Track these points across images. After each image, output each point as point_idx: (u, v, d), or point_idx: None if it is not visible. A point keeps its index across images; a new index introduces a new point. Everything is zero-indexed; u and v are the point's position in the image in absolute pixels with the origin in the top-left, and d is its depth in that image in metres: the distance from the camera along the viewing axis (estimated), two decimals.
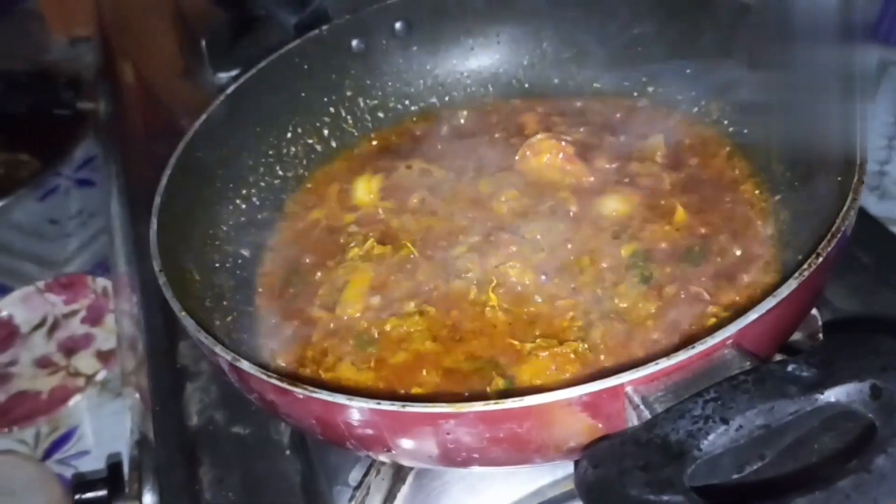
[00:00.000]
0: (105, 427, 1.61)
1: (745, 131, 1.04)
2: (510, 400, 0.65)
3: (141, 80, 1.73)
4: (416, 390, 0.87)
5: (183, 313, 0.79)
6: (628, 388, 0.65)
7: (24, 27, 2.54)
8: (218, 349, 0.74)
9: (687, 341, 0.81)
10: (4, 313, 1.81)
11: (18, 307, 1.83)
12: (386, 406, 0.66)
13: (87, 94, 2.04)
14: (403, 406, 0.66)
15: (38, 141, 2.18)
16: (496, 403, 0.65)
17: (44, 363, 1.74)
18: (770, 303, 0.66)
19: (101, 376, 1.66)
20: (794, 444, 0.62)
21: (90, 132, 2.16)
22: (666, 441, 0.57)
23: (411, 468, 0.89)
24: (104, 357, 1.71)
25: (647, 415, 0.62)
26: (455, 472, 0.88)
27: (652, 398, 0.63)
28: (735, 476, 0.60)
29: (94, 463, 1.55)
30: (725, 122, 1.08)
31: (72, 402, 1.63)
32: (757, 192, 0.99)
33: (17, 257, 2.01)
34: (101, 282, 1.84)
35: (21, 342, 1.79)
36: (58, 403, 1.64)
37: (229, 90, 1.06)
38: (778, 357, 0.73)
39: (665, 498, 0.52)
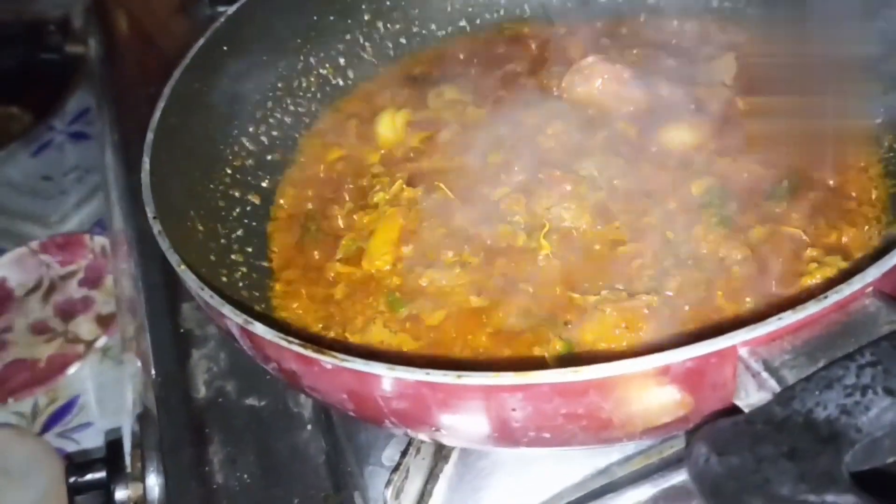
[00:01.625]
0: (108, 397, 1.49)
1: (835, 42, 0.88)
2: (593, 367, 0.51)
3: (133, 18, 1.58)
4: (462, 354, 0.73)
5: (182, 267, 0.66)
6: (742, 351, 0.51)
7: None
8: (226, 310, 0.61)
9: (790, 295, 0.69)
10: None
11: (12, 269, 1.70)
12: (437, 377, 0.53)
13: (77, 36, 1.88)
14: (459, 377, 0.52)
15: (29, 93, 2.04)
16: (574, 372, 0.51)
17: (40, 329, 1.62)
18: None
19: (101, 342, 1.53)
20: None
21: (82, 81, 2.01)
22: (811, 419, 0.44)
23: (452, 447, 0.76)
24: (105, 321, 1.59)
25: (773, 384, 0.49)
26: (508, 449, 0.75)
27: (778, 363, 0.50)
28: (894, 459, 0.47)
29: (96, 436, 1.43)
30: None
31: (71, 370, 1.51)
32: (852, 112, 0.84)
33: (11, 216, 1.87)
34: (100, 241, 1.71)
35: (16, 307, 1.67)
36: (56, 372, 1.52)
37: (230, 10, 0.92)
38: None
39: (829, 499, 0.39)
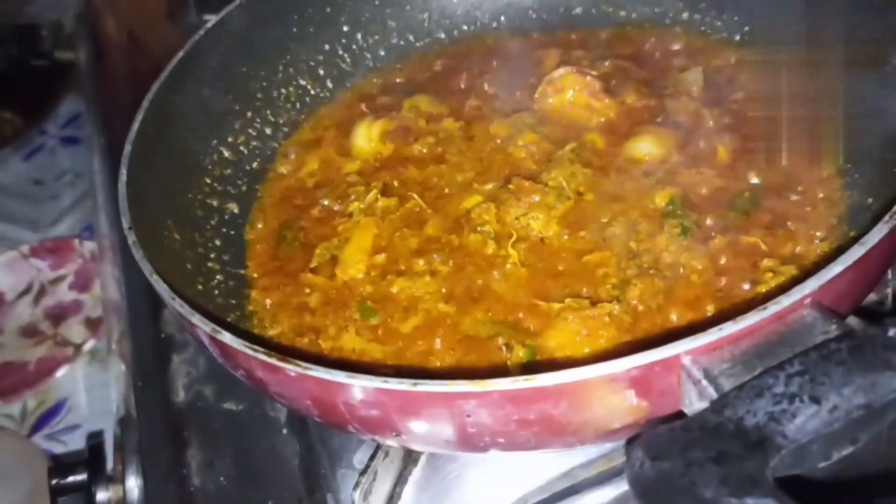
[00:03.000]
0: (96, 399, 1.51)
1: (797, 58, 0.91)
2: (543, 376, 0.53)
3: (123, 25, 1.60)
4: (429, 361, 0.75)
5: (154, 276, 0.68)
6: (686, 360, 0.54)
7: None
8: (196, 319, 0.63)
9: (743, 302, 0.71)
10: None
11: (3, 273, 1.73)
12: (394, 385, 0.55)
13: (67, 43, 1.90)
14: (415, 384, 0.55)
15: (20, 97, 2.06)
16: (526, 380, 0.54)
17: (30, 332, 1.64)
18: (858, 251, 0.55)
19: (89, 345, 1.56)
20: (891, 426, 0.50)
21: (74, 86, 2.03)
22: (741, 426, 0.46)
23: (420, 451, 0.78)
24: (93, 325, 1.61)
25: (711, 392, 0.51)
26: (474, 454, 0.77)
27: (716, 371, 0.52)
28: (822, 464, 0.49)
29: (82, 438, 1.46)
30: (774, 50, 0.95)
31: (60, 372, 1.54)
32: (813, 126, 0.86)
33: (2, 220, 1.89)
34: (89, 245, 1.74)
35: (6, 310, 1.69)
36: (45, 375, 1.54)
37: (210, 23, 0.94)
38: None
39: (749, 501, 0.41)
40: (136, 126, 0.83)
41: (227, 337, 0.61)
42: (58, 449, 1.46)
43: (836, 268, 0.54)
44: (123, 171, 0.78)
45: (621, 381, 0.54)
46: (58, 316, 1.67)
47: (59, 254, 1.76)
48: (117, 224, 1.20)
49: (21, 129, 2.04)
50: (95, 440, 0.97)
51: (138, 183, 0.79)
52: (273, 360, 0.59)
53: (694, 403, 0.54)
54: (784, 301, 0.54)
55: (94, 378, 1.54)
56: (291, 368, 0.58)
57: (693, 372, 0.53)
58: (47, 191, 1.97)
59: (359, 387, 0.57)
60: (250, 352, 0.60)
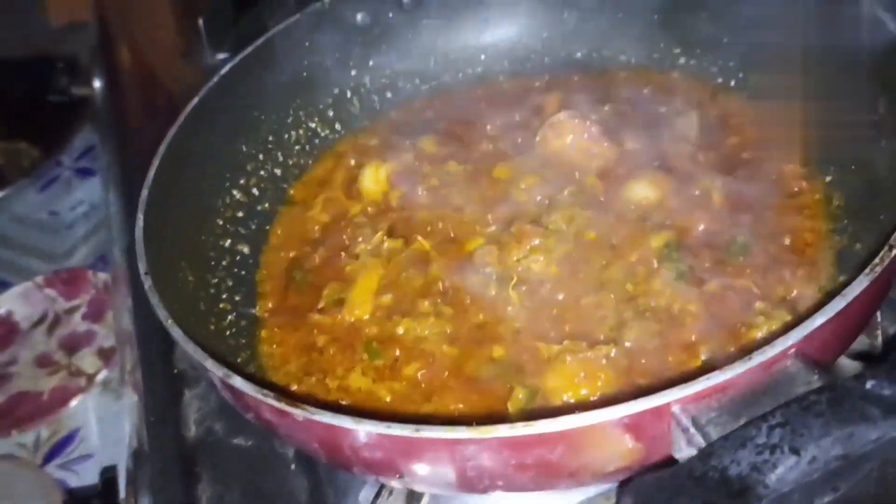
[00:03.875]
0: (108, 429, 1.53)
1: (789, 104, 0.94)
2: (540, 423, 0.56)
3: (138, 62, 1.65)
4: (433, 401, 0.78)
5: (170, 321, 0.71)
6: (675, 408, 0.56)
7: (21, 11, 2.45)
8: (209, 364, 0.66)
9: (735, 344, 0.74)
10: (2, 310, 1.73)
11: (18, 303, 1.76)
12: (397, 430, 0.58)
13: (84, 78, 1.95)
14: (417, 430, 0.57)
15: (37, 128, 2.10)
16: (524, 427, 0.56)
17: (44, 362, 1.67)
18: (839, 303, 0.57)
19: (102, 376, 1.58)
20: (871, 474, 0.53)
21: (89, 118, 2.08)
22: (725, 475, 0.49)
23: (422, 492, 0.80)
24: (106, 355, 1.64)
25: (699, 440, 0.54)
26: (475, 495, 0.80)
27: (704, 420, 0.54)
28: None
29: (96, 469, 1.48)
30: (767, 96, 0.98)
31: (73, 402, 1.56)
32: (805, 172, 0.89)
33: (18, 250, 1.93)
34: (103, 276, 1.77)
35: (21, 340, 1.72)
36: (59, 404, 1.56)
37: (223, 70, 0.97)
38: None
39: None
40: (152, 171, 0.86)
41: (238, 381, 0.64)
42: (71, 479, 1.48)
43: (819, 319, 0.57)
44: (140, 217, 0.81)
45: (615, 427, 0.57)
46: (71, 346, 1.70)
47: (73, 284, 1.79)
48: (131, 257, 1.25)
49: (37, 161, 2.07)
50: (109, 474, 1.00)
51: (154, 226, 0.82)
52: (282, 405, 0.61)
53: (683, 450, 0.56)
54: (769, 352, 0.56)
55: (107, 408, 1.56)
56: (299, 413, 0.61)
57: (682, 420, 0.55)
58: (62, 221, 2.00)
59: (363, 432, 0.59)
60: (260, 396, 0.63)
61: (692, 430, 0.54)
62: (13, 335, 1.73)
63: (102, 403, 1.57)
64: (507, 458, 0.58)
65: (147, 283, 0.74)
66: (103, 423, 1.54)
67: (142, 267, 0.76)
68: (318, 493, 0.87)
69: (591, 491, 0.79)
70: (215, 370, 0.66)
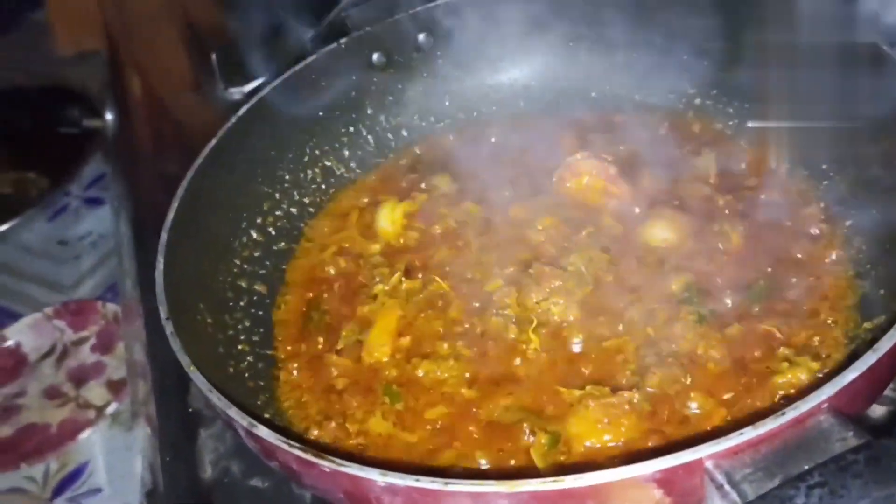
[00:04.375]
0: (117, 463, 1.52)
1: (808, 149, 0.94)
2: (570, 477, 0.56)
3: (149, 95, 1.65)
4: (454, 446, 0.78)
5: (192, 368, 0.71)
6: (708, 463, 0.56)
7: (30, 41, 2.47)
8: (233, 412, 0.66)
9: (760, 390, 0.74)
10: (11, 342, 1.73)
11: (26, 334, 1.75)
12: (426, 483, 0.57)
13: (95, 110, 1.96)
14: (446, 484, 0.57)
15: (46, 158, 2.11)
16: (554, 482, 0.56)
17: (52, 394, 1.66)
18: (871, 358, 0.57)
19: (112, 409, 1.57)
20: None
21: (99, 149, 2.08)
22: None
23: None
24: (115, 387, 1.63)
25: (735, 497, 0.53)
26: None
27: (738, 476, 0.54)
28: None
29: (105, 502, 1.47)
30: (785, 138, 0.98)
31: (82, 436, 1.55)
32: (824, 216, 0.89)
33: (26, 281, 1.93)
34: (112, 307, 1.76)
35: (29, 372, 1.71)
36: (67, 438, 1.55)
37: (241, 112, 0.98)
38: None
39: None
40: (171, 214, 0.86)
41: (263, 432, 0.64)
42: None
43: (851, 374, 0.56)
44: (160, 260, 0.81)
45: (646, 482, 0.56)
46: (80, 378, 1.69)
47: (81, 315, 1.78)
48: (143, 289, 1.25)
49: (46, 191, 2.08)
50: None
51: (173, 269, 0.82)
52: (309, 457, 0.61)
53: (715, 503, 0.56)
54: (802, 406, 0.56)
55: (116, 441, 1.54)
56: (326, 464, 0.60)
57: (716, 476, 0.55)
58: (71, 251, 2.00)
59: (391, 484, 0.59)
60: (286, 447, 0.62)
61: (727, 486, 0.54)
62: (21, 367, 1.72)
63: (112, 437, 1.55)
64: None
65: (168, 328, 0.74)
66: (113, 457, 1.53)
67: (163, 312, 0.76)
68: None
69: None
70: (240, 419, 0.65)
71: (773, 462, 0.54)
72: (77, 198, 2.11)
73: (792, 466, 0.53)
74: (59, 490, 1.50)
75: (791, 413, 0.56)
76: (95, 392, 1.65)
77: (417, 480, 0.58)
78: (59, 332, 1.77)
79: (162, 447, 0.99)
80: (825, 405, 0.57)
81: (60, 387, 1.68)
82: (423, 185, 1.04)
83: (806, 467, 0.52)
